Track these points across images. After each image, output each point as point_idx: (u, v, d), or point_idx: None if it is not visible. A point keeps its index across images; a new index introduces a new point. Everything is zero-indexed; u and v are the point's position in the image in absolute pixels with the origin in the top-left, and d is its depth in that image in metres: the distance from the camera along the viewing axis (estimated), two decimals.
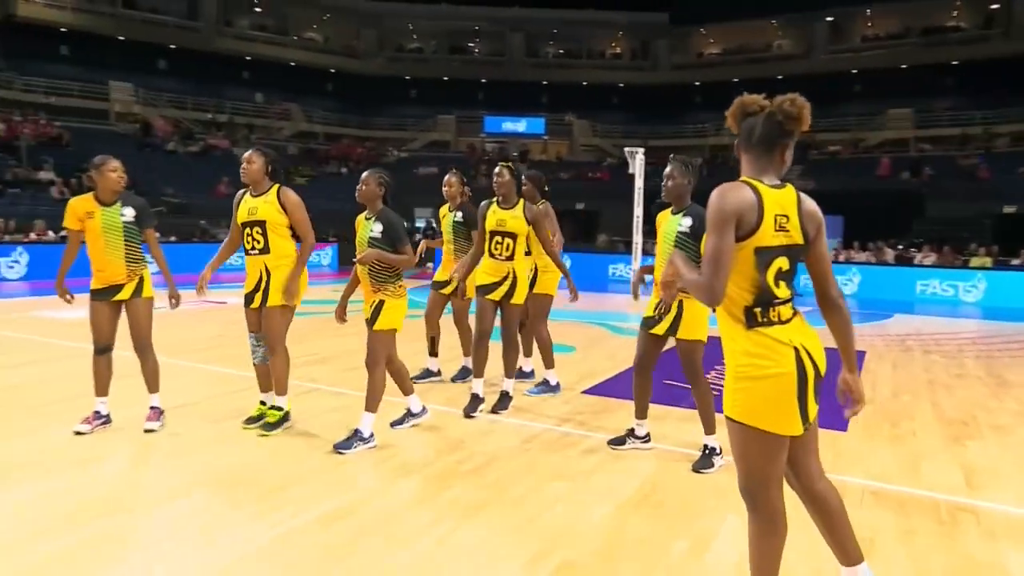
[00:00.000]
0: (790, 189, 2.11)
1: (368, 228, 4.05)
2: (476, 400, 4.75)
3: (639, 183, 13.04)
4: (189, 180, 20.70)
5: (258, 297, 4.21)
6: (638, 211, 13.26)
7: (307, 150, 28.18)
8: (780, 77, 31.51)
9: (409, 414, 4.45)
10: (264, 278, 4.19)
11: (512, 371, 4.88)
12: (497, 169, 4.64)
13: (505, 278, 4.67)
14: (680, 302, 3.70)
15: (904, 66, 28.22)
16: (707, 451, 3.85)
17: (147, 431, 4.18)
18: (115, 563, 2.67)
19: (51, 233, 14.37)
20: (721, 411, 2.22)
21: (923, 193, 22.07)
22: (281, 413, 4.30)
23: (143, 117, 26.09)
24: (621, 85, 34.18)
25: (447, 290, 5.43)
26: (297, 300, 4.31)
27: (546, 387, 5.35)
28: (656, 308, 3.83)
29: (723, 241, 1.99)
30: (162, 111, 27.12)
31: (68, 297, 4.26)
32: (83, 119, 24.09)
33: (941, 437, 4.58)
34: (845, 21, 30.79)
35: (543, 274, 5.23)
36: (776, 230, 2.04)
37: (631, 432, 4.14)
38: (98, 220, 4.11)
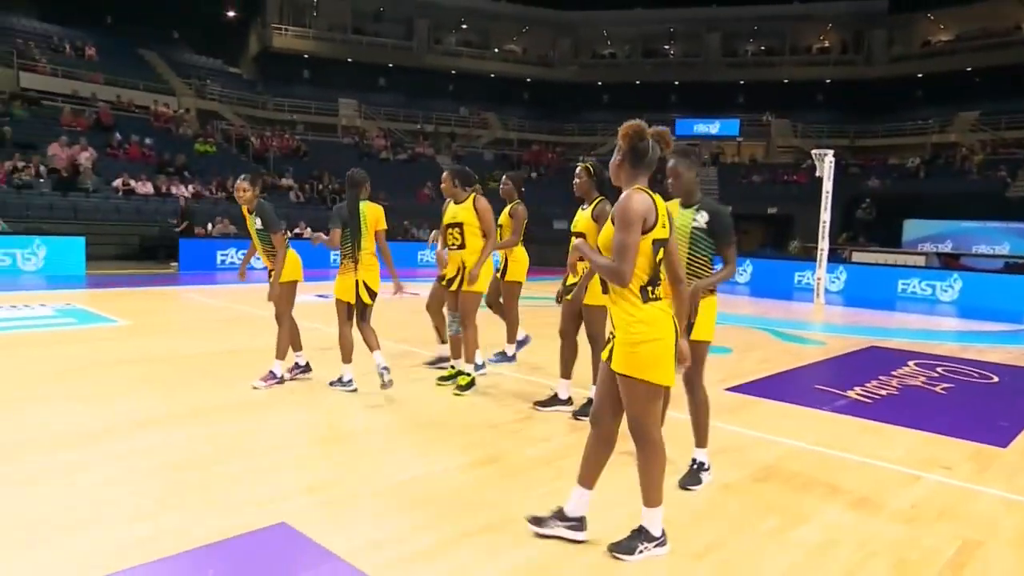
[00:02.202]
0: (659, 197, 2.65)
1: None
2: (555, 399, 4.85)
3: (827, 186, 12.38)
4: (397, 185, 23.16)
5: (456, 282, 5.20)
6: (825, 216, 12.59)
7: (501, 156, 29.95)
8: None
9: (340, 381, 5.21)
10: (461, 268, 5.16)
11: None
12: (577, 170, 4.63)
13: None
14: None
15: None
16: (695, 466, 3.60)
17: (254, 388, 5.09)
18: (324, 466, 3.56)
19: (288, 232, 17.07)
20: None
21: None
22: (469, 378, 5.22)
23: (363, 129, 29.59)
24: (827, 81, 31.86)
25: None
26: (483, 287, 5.20)
27: (503, 357, 6.01)
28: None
29: (632, 236, 2.53)
30: (379, 123, 30.54)
31: (242, 278, 5.82)
32: (317, 133, 27.98)
33: None
34: None
35: (513, 264, 5.67)
36: (661, 227, 2.62)
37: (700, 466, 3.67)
38: (248, 224, 5.35)
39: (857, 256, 18.62)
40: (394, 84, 32.63)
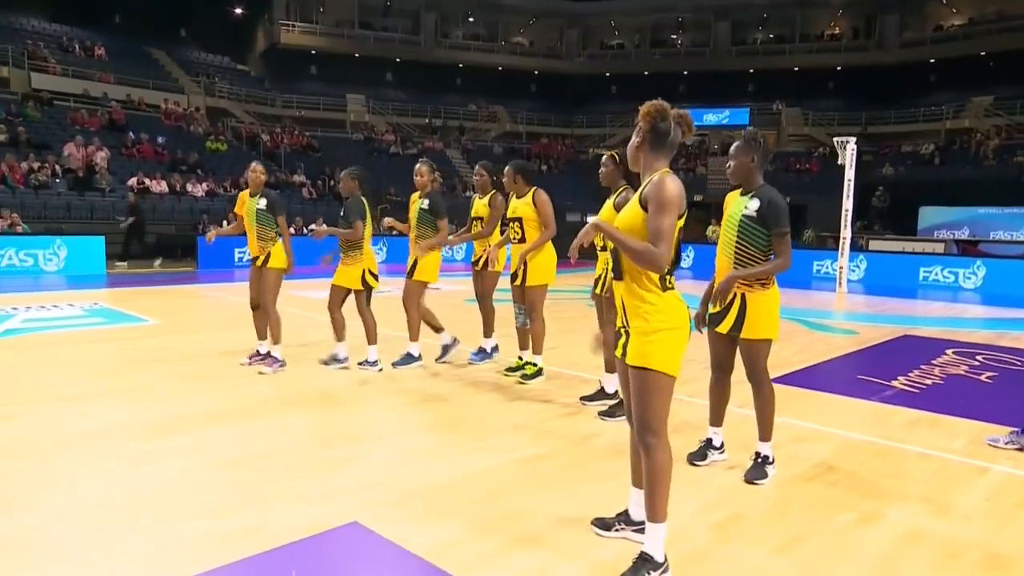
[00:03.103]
0: None
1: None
2: (601, 393, 4.87)
3: (849, 174, 12.28)
4: (408, 180, 23.08)
5: (519, 276, 5.26)
6: (847, 204, 12.49)
7: (511, 149, 29.85)
8: None
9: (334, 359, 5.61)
10: (524, 263, 5.20)
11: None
12: (603, 159, 4.49)
13: (606, 270, 4.47)
14: (743, 297, 3.44)
15: None
16: (760, 459, 3.54)
17: (260, 373, 5.33)
18: (375, 464, 3.52)
19: (304, 229, 17.02)
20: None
21: None
22: (536, 368, 5.32)
23: (372, 124, 29.52)
24: (839, 68, 31.59)
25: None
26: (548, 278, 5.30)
27: (484, 354, 5.97)
28: (713, 300, 3.46)
29: (671, 220, 2.35)
30: (387, 119, 30.46)
31: (210, 237, 6.04)
32: (326, 129, 27.92)
33: None
34: None
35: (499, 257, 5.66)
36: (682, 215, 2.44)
37: (708, 443, 3.75)
38: (246, 207, 5.56)
39: (874, 244, 18.49)
40: (402, 79, 32.53)
